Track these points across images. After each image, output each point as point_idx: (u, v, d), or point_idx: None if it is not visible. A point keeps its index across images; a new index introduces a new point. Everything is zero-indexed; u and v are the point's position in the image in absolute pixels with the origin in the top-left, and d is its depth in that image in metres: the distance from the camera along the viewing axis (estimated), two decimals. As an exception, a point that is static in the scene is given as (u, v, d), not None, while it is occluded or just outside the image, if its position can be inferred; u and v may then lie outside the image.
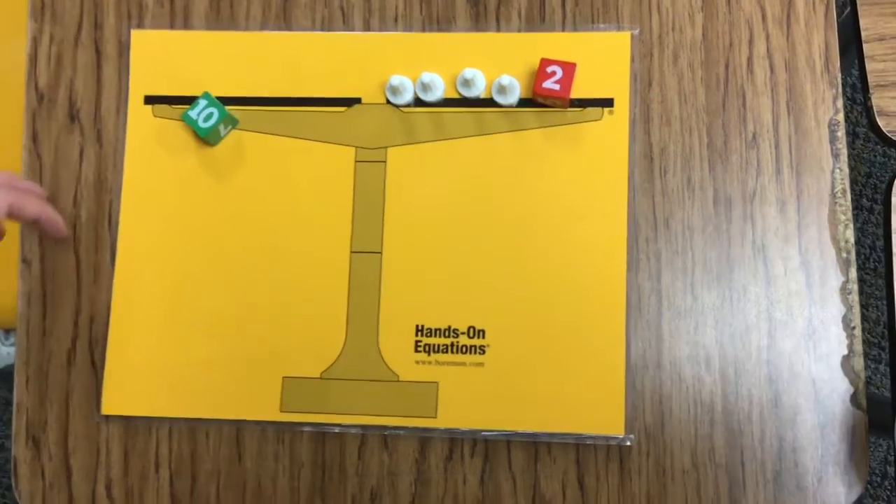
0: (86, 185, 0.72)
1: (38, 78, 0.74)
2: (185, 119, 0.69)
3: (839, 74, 0.68)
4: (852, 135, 1.41)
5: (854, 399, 0.66)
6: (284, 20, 0.73)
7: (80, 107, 0.73)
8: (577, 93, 0.68)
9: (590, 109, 0.68)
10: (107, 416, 0.69)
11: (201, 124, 0.69)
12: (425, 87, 0.68)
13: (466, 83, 0.68)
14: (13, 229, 0.71)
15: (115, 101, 0.73)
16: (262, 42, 0.72)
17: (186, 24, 0.74)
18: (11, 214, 0.64)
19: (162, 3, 0.74)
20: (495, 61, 0.69)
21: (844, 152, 0.68)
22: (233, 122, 0.70)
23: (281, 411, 0.67)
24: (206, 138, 0.69)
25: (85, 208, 0.72)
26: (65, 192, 0.72)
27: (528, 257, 0.67)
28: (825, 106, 0.68)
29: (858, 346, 0.66)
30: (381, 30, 0.72)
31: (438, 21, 0.72)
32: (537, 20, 0.71)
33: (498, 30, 0.71)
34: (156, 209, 0.70)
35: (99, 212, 0.72)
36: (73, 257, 0.71)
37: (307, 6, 0.73)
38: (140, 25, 0.74)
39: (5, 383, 1.47)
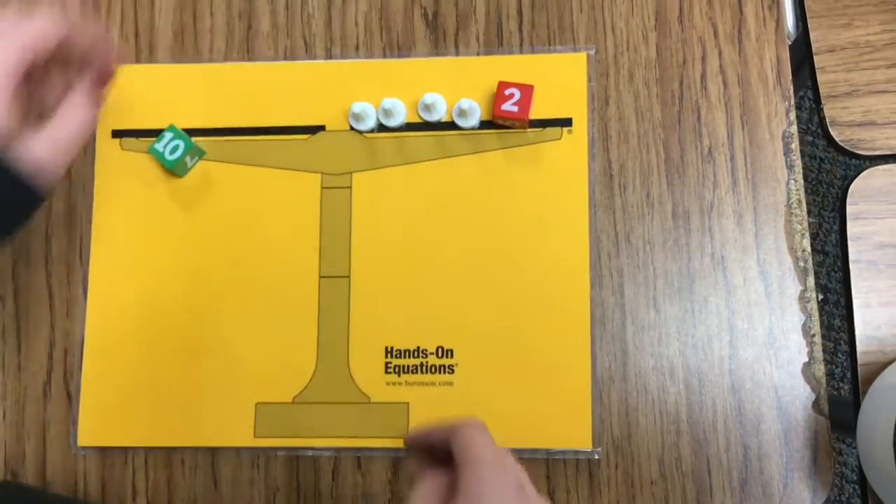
0: (56, 220, 0.73)
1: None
2: (152, 152, 0.70)
3: (791, 87, 0.70)
4: (812, 145, 1.43)
5: (816, 405, 0.67)
6: (248, 51, 0.74)
7: (48, 142, 0.74)
8: (536, 113, 0.70)
9: (549, 129, 0.70)
10: (83, 448, 0.69)
11: (168, 156, 0.70)
12: (387, 112, 0.69)
13: (427, 108, 0.69)
14: (-15, 265, 0.72)
15: (83, 135, 0.74)
16: (227, 73, 0.73)
17: (151, 59, 0.75)
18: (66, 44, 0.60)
19: (127, 38, 0.75)
20: (455, 85, 0.70)
21: (799, 163, 0.70)
22: (199, 154, 0.71)
23: (255, 437, 0.68)
24: (173, 170, 0.71)
25: (56, 243, 0.72)
26: (36, 228, 0.73)
27: (493, 276, 0.68)
28: (778, 118, 0.70)
29: (818, 353, 0.68)
30: (343, 58, 0.73)
31: (399, 47, 0.73)
32: (495, 43, 0.72)
33: (457, 54, 0.72)
34: (126, 241, 0.71)
35: (70, 246, 0.72)
36: (47, 292, 0.72)
37: (269, 37, 0.74)
38: (106, 60, 0.75)
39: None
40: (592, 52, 0.71)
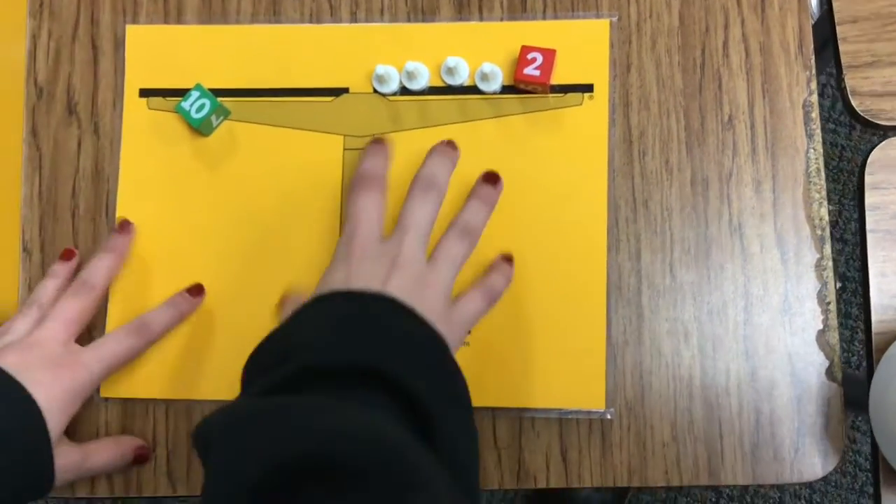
0: (83, 176, 0.74)
1: (37, 73, 0.76)
2: (179, 110, 0.71)
3: (813, 56, 0.70)
4: (833, 133, 1.43)
5: (829, 372, 0.68)
6: (274, 13, 0.75)
7: (77, 100, 0.76)
8: (557, 79, 0.70)
9: (570, 95, 0.70)
10: (106, 399, 0.71)
11: (194, 115, 0.71)
12: (410, 75, 0.70)
13: (450, 71, 0.70)
14: (14, 219, 0.74)
15: (111, 94, 0.75)
16: (253, 35, 0.74)
17: (180, 19, 0.76)
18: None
19: (155, -2, 0.77)
20: (478, 49, 0.71)
21: (818, 132, 0.70)
22: (224, 113, 0.73)
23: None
24: (199, 129, 0.72)
25: (83, 199, 0.74)
26: (63, 183, 0.74)
27: (511, 238, 0.69)
28: (799, 87, 0.70)
29: (833, 321, 0.68)
30: (367, 21, 0.74)
31: (423, 12, 0.74)
32: (519, 9, 0.73)
33: (481, 19, 0.73)
34: (151, 198, 0.73)
35: (97, 202, 0.74)
36: (71, 231, 0.74)
37: (296, 0, 0.75)
38: (135, 21, 0.76)
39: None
40: (615, 19, 0.72)
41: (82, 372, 0.65)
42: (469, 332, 0.68)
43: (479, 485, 0.56)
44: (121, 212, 0.73)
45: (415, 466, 0.46)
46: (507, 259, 0.68)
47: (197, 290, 0.70)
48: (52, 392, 0.62)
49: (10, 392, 0.61)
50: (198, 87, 0.71)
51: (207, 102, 0.71)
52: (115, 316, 0.71)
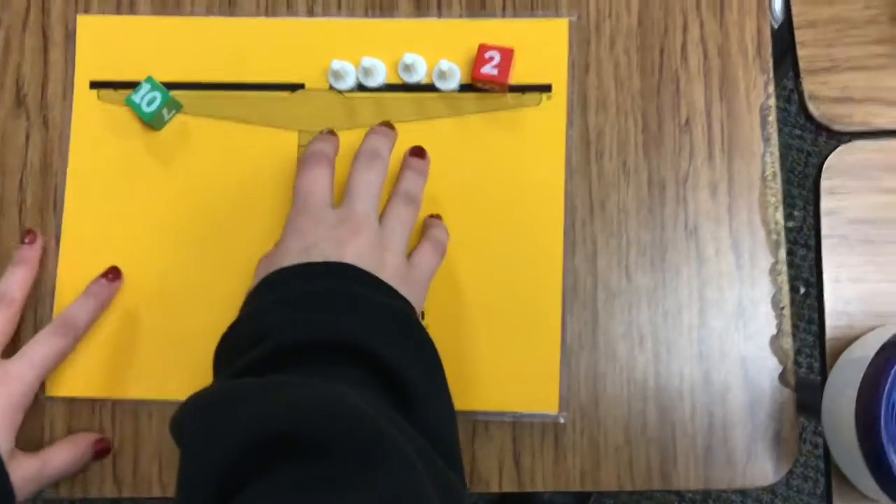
0: (31, 169, 0.73)
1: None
2: (129, 103, 0.70)
3: (770, 60, 0.70)
4: (800, 139, 1.44)
5: (783, 377, 0.68)
6: (230, 6, 0.74)
7: (26, 91, 0.74)
8: (516, 78, 0.70)
9: (528, 95, 0.70)
10: (51, 397, 0.69)
11: (145, 108, 0.69)
12: (367, 71, 0.69)
13: (407, 68, 0.69)
14: (-42, 212, 0.72)
15: (61, 86, 0.74)
16: (207, 27, 0.73)
17: (132, 10, 0.74)
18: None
19: (108, -12, 0.75)
20: (436, 47, 0.70)
21: (775, 136, 0.70)
22: (176, 107, 0.71)
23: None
24: (150, 122, 0.70)
25: (31, 192, 0.72)
26: (11, 176, 0.73)
27: (467, 239, 0.68)
28: (756, 91, 0.70)
29: (787, 326, 0.68)
30: (324, 16, 0.73)
31: (381, 7, 0.73)
32: (478, 6, 0.72)
33: (439, 16, 0.72)
34: (101, 193, 0.71)
35: (44, 196, 0.72)
36: (19, 242, 0.72)
37: (252, -8, 0.74)
38: (87, 11, 0.75)
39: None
40: (575, 19, 0.71)
41: (16, 384, 0.64)
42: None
43: (460, 454, 0.56)
44: (69, 206, 0.71)
45: (381, 433, 0.46)
46: (436, 216, 0.69)
47: (114, 275, 0.69)
48: None
49: None
50: (149, 79, 0.70)
51: (158, 95, 0.69)
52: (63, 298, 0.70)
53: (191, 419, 0.50)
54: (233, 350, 0.57)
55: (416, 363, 0.55)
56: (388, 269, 0.60)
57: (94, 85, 0.73)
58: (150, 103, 0.69)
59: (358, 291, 0.57)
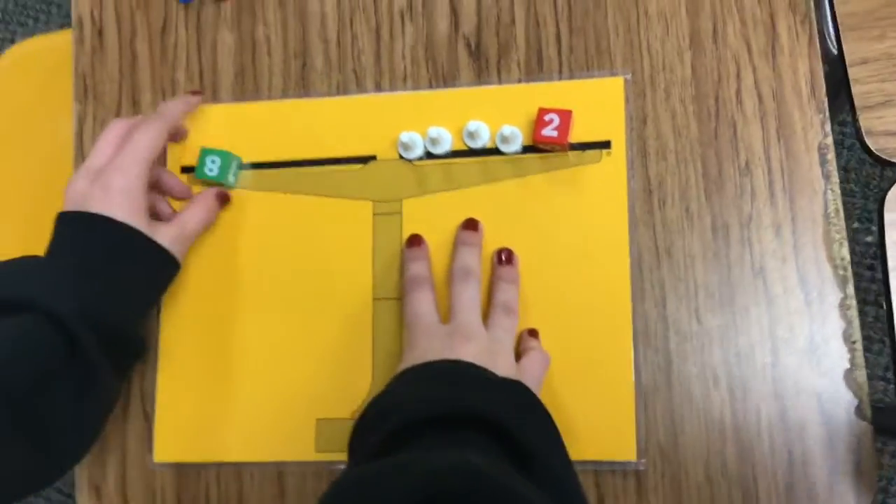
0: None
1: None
2: (200, 175, 0.76)
3: (825, 100, 0.72)
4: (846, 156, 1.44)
5: (859, 410, 0.68)
6: (303, 87, 0.79)
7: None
8: (575, 137, 0.72)
9: (589, 152, 0.73)
10: (160, 464, 0.74)
11: (210, 173, 0.76)
12: (433, 140, 0.73)
13: (471, 135, 0.73)
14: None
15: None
16: (284, 110, 0.78)
17: (215, 96, 0.80)
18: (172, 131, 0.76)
19: (191, 78, 0.81)
20: (498, 112, 0.74)
21: (835, 173, 0.71)
22: (237, 161, 0.77)
23: (316, 451, 0.72)
24: (224, 181, 0.76)
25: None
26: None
27: (537, 293, 0.71)
28: (814, 130, 0.72)
29: (860, 360, 0.69)
30: (391, 89, 0.77)
31: (444, 77, 0.77)
32: (536, 70, 0.76)
33: (499, 81, 0.76)
34: (194, 268, 0.76)
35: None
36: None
37: (323, 73, 0.79)
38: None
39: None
40: (629, 77, 0.74)
41: (132, 171, 0.71)
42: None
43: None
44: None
45: (511, 488, 0.50)
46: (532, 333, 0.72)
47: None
48: (113, 199, 0.70)
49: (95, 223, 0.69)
50: (203, 150, 0.76)
51: (218, 159, 0.75)
52: (164, 386, 0.75)
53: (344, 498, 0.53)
54: (362, 434, 0.61)
55: (532, 426, 0.58)
56: (501, 370, 0.64)
57: (185, 170, 0.78)
58: (212, 165, 0.75)
59: (475, 372, 0.62)
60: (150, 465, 0.75)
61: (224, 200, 0.77)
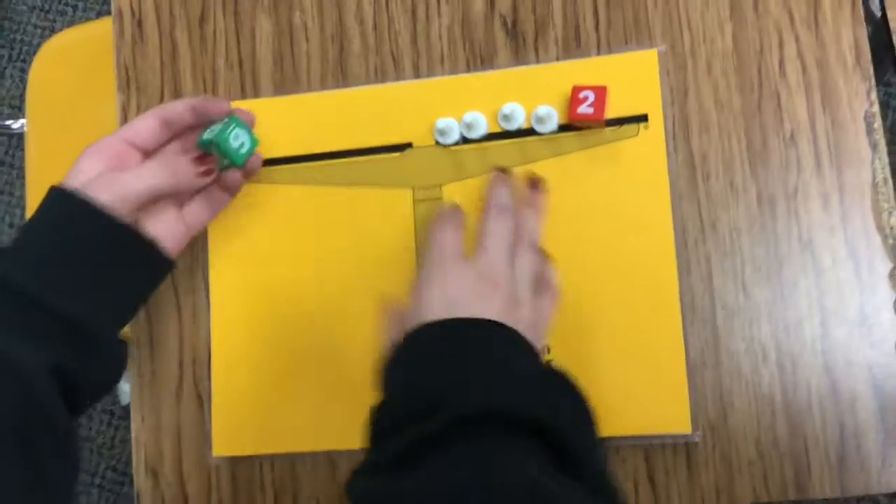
0: (179, 239, 0.79)
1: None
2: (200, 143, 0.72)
3: (871, 67, 0.70)
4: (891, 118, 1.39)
5: (912, 381, 0.68)
6: (341, 71, 0.79)
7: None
8: (612, 112, 0.72)
9: (626, 127, 0.72)
10: (217, 457, 0.76)
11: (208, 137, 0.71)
12: (469, 126, 0.73)
13: (506, 117, 0.72)
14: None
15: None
16: (320, 102, 0.78)
17: (255, 83, 0.81)
18: (167, 120, 0.72)
19: (231, 66, 0.81)
20: (532, 93, 0.73)
21: (882, 142, 0.70)
22: (247, 132, 0.73)
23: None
24: (222, 148, 0.71)
25: (181, 260, 0.79)
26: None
27: (582, 272, 0.71)
28: (859, 99, 0.70)
29: (912, 330, 0.68)
30: (428, 70, 0.77)
31: (482, 57, 0.76)
32: (573, 46, 0.75)
33: (537, 59, 0.75)
34: (239, 260, 0.77)
35: (193, 259, 0.79)
36: (174, 301, 0.79)
37: (361, 56, 0.79)
38: (214, 88, 0.81)
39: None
40: (663, 49, 0.73)
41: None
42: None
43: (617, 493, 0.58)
44: (213, 272, 0.78)
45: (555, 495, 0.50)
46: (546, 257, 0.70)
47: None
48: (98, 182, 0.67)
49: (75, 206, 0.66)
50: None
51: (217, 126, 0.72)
52: (219, 379, 0.77)
53: None
54: (398, 417, 0.57)
55: (577, 427, 0.57)
56: (523, 323, 0.62)
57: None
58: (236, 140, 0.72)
59: (513, 357, 0.60)
60: (208, 460, 0.76)
61: (233, 189, 0.74)
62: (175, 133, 0.73)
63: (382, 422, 0.58)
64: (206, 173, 0.71)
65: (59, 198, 0.66)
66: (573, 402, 0.59)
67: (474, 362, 0.59)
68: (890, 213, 0.69)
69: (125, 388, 1.64)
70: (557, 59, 0.75)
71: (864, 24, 0.69)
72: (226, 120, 0.71)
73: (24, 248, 0.65)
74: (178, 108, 0.72)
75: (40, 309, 0.62)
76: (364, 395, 0.73)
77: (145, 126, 0.71)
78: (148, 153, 0.72)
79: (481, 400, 0.55)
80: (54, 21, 1.82)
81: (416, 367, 0.60)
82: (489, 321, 0.61)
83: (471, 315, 0.61)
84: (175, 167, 0.70)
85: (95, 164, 0.68)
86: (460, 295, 0.63)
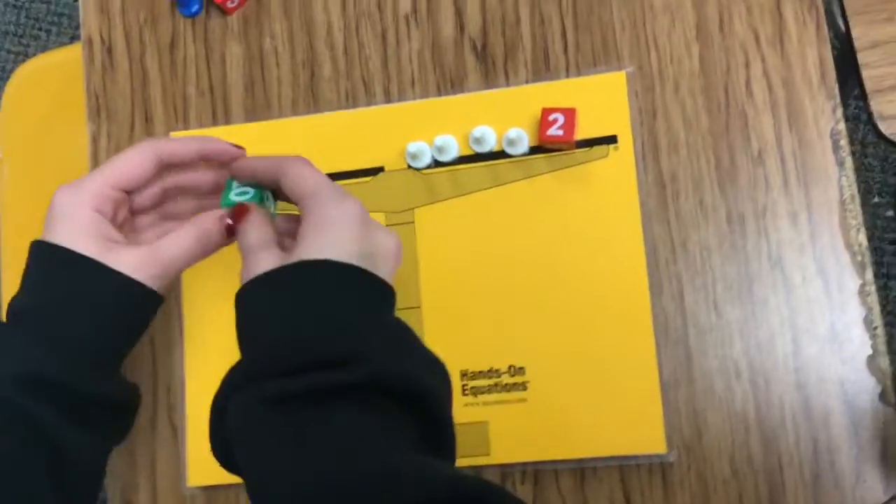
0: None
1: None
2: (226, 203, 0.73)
3: (836, 86, 0.71)
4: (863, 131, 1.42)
5: (883, 397, 0.68)
6: (313, 96, 0.79)
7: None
8: (581, 134, 0.72)
9: (596, 148, 0.72)
10: (192, 487, 0.75)
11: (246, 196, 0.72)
12: (440, 149, 0.73)
13: (477, 140, 0.73)
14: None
15: (169, 188, 0.80)
16: (290, 127, 0.78)
17: (226, 109, 0.81)
18: (167, 161, 0.63)
19: (202, 93, 0.81)
20: (503, 115, 0.74)
21: (849, 159, 0.71)
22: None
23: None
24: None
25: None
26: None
27: (555, 293, 0.71)
28: (825, 117, 0.71)
29: (882, 346, 0.69)
30: (399, 94, 0.77)
31: (452, 80, 0.77)
32: (543, 69, 0.75)
33: (507, 82, 0.76)
34: (213, 288, 0.77)
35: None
36: (147, 330, 0.78)
37: (332, 80, 0.79)
38: (185, 116, 0.81)
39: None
40: (631, 71, 0.73)
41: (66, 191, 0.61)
42: (525, 389, 0.71)
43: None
44: (186, 300, 0.77)
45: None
46: None
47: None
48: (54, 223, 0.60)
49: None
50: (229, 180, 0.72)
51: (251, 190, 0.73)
52: (193, 408, 0.76)
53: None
54: (303, 346, 0.53)
55: (441, 393, 0.56)
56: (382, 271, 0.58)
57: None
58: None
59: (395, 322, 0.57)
60: (182, 490, 0.75)
61: (233, 233, 0.62)
62: (166, 172, 0.65)
63: (281, 349, 0.54)
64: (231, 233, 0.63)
65: (71, 264, 0.59)
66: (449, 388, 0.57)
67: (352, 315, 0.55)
68: (858, 230, 0.70)
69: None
70: (527, 81, 0.75)
71: (829, 43, 0.70)
72: (253, 191, 0.65)
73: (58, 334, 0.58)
74: (182, 150, 0.64)
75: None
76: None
77: (138, 164, 0.62)
78: (134, 192, 0.64)
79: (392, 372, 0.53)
80: (28, 46, 1.82)
81: (289, 301, 0.56)
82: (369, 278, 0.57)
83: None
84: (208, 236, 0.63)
85: (85, 212, 0.60)
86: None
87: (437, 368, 0.57)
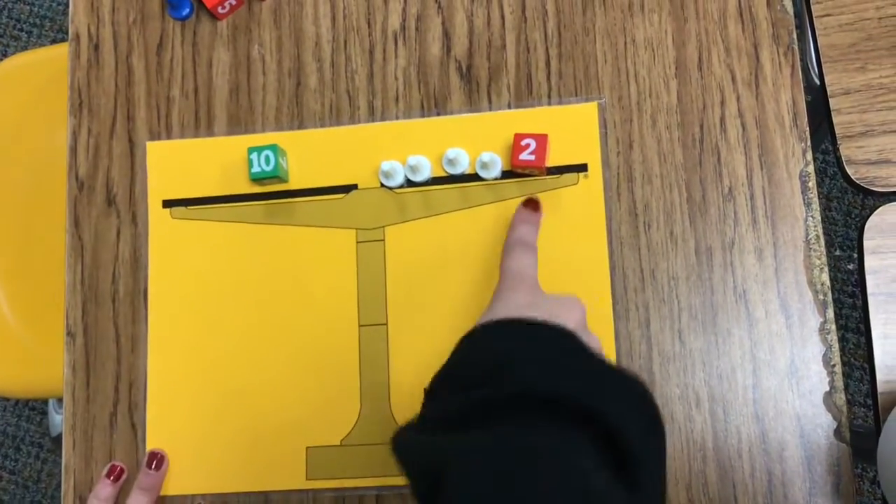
0: (122, 262, 0.79)
1: (79, 168, 0.82)
2: (255, 177, 0.75)
3: (807, 129, 0.73)
4: (828, 185, 1.46)
5: (838, 432, 0.70)
6: (297, 105, 0.80)
7: (116, 192, 0.81)
8: (553, 161, 0.74)
9: (566, 175, 0.74)
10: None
11: (269, 168, 0.75)
12: (413, 168, 0.74)
13: (451, 162, 0.74)
14: (60, 304, 0.79)
15: (146, 185, 0.80)
16: (269, 141, 0.78)
17: (209, 112, 0.81)
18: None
19: (186, 95, 0.82)
20: (478, 139, 0.75)
21: (816, 201, 0.73)
22: (282, 153, 0.77)
23: (307, 479, 0.73)
24: (280, 176, 0.76)
25: (122, 283, 0.79)
26: (104, 269, 0.79)
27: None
28: (795, 159, 0.73)
29: (839, 383, 0.70)
30: (383, 109, 0.79)
31: (436, 98, 0.78)
32: (525, 94, 0.77)
33: (489, 104, 0.77)
34: (179, 296, 0.77)
35: (135, 286, 0.79)
36: (113, 329, 0.78)
37: (317, 91, 0.80)
38: (168, 116, 0.82)
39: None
40: (604, 101, 0.75)
41: None
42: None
43: None
44: (152, 304, 0.78)
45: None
46: None
47: (157, 462, 0.75)
48: None
49: None
50: (249, 150, 0.76)
51: (270, 154, 0.75)
52: (154, 415, 0.76)
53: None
54: (455, 379, 0.56)
55: (641, 430, 0.53)
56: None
57: (166, 204, 0.79)
58: (268, 162, 0.75)
59: (583, 354, 0.56)
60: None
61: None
62: None
63: (437, 383, 0.57)
64: None
65: None
66: (642, 408, 0.55)
67: (542, 346, 0.56)
68: (821, 270, 0.72)
69: (56, 419, 1.60)
70: (509, 105, 0.77)
71: (803, 87, 0.73)
72: (266, 153, 0.75)
73: None
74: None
75: None
76: (303, 434, 0.73)
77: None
78: None
79: (548, 381, 0.52)
80: (7, 46, 1.81)
81: (481, 344, 0.58)
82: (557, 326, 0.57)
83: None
84: None
85: None
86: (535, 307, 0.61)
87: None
